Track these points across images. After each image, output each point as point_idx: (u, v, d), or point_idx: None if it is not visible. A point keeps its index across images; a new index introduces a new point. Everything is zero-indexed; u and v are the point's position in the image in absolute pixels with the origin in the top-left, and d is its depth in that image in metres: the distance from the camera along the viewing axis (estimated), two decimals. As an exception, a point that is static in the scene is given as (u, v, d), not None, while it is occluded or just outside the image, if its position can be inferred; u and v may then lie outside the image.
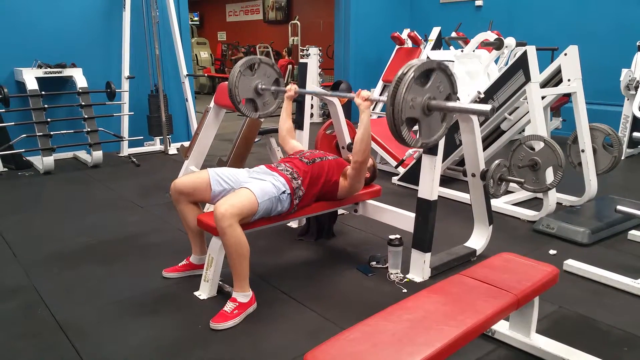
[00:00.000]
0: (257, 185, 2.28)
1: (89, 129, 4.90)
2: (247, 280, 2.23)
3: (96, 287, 2.51)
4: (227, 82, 2.86)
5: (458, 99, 1.90)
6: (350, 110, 7.50)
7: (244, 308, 2.20)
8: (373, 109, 7.01)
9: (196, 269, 2.59)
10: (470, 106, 1.78)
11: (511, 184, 3.22)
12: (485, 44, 4.90)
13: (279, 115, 2.94)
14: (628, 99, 5.29)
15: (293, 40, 11.54)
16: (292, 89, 2.83)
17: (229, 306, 2.18)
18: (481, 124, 3.80)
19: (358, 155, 2.43)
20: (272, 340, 2.06)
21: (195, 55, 12.16)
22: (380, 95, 7.08)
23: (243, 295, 2.22)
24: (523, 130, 4.18)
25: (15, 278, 2.61)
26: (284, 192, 2.34)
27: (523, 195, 3.87)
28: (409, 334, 1.42)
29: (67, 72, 5.01)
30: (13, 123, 4.64)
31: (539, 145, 3.21)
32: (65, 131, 4.84)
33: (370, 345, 1.37)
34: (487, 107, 1.72)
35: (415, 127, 1.86)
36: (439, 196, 2.61)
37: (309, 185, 2.45)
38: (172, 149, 5.65)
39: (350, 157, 2.52)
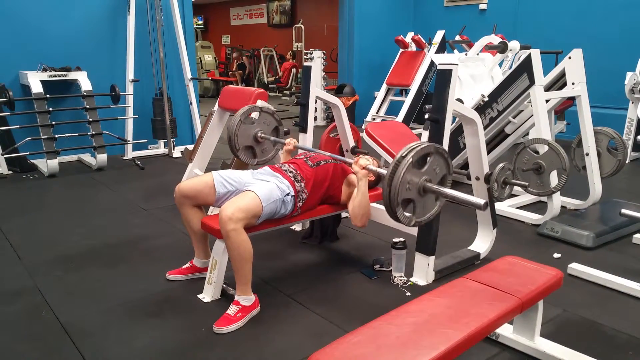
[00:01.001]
0: (262, 188, 2.28)
1: (93, 132, 4.92)
2: (249, 284, 2.23)
3: (100, 290, 2.52)
4: (231, 86, 2.88)
5: (449, 185, 1.97)
6: (354, 114, 7.52)
7: (247, 311, 2.20)
8: (377, 112, 7.02)
9: (200, 272, 2.59)
10: (465, 197, 1.84)
11: (515, 188, 3.21)
12: (489, 47, 4.90)
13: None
14: (633, 103, 5.28)
15: (297, 46, 11.58)
16: (291, 143, 2.84)
17: (232, 309, 2.18)
18: (485, 128, 3.79)
19: (357, 220, 2.40)
20: (276, 343, 2.06)
21: (200, 58, 12.21)
22: (384, 101, 7.08)
23: (246, 298, 2.22)
24: (527, 134, 4.17)
25: (19, 280, 2.62)
26: (287, 194, 2.34)
27: (527, 198, 3.86)
28: (413, 337, 1.42)
29: (72, 75, 5.03)
30: (18, 126, 4.67)
31: (543, 149, 3.21)
32: (69, 134, 4.86)
33: (374, 348, 1.37)
34: (480, 201, 1.80)
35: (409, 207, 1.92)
36: (442, 199, 2.60)
37: (312, 188, 2.45)
38: (176, 152, 5.66)
39: (354, 167, 2.49)
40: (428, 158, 1.86)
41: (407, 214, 1.85)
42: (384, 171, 1.94)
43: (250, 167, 2.94)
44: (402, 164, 1.77)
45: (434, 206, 1.93)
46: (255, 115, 2.88)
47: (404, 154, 1.79)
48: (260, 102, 2.99)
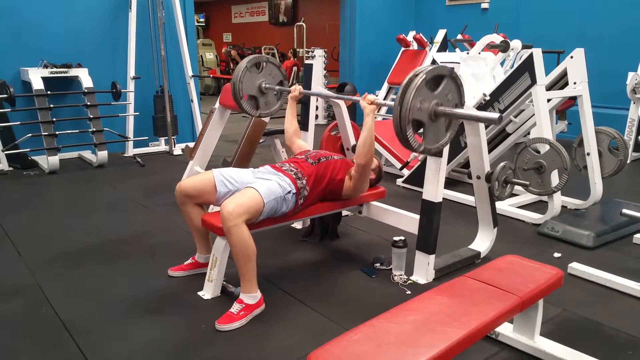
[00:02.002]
0: (263, 185, 2.28)
1: (94, 129, 4.92)
2: (254, 281, 2.23)
3: (100, 287, 2.52)
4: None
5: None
6: (355, 112, 7.50)
7: (250, 309, 2.20)
8: (378, 112, 7.00)
9: (202, 268, 2.60)
10: (478, 113, 1.78)
11: (516, 187, 3.20)
12: (491, 47, 4.89)
13: (283, 117, 2.95)
14: (634, 102, 5.27)
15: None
16: (296, 89, 2.84)
17: (235, 307, 2.18)
18: (486, 127, 3.79)
19: (361, 157, 2.43)
20: (276, 341, 2.06)
21: (201, 56, 12.20)
22: (385, 99, 7.08)
23: (250, 296, 2.21)
24: (528, 133, 4.17)
25: (20, 277, 2.62)
26: (289, 192, 2.34)
27: (528, 198, 3.86)
28: (413, 335, 1.42)
29: (73, 72, 5.04)
30: (19, 122, 4.67)
31: (544, 148, 3.21)
32: (70, 131, 4.86)
33: (374, 346, 1.37)
34: (495, 115, 1.73)
35: (420, 131, 1.86)
36: (443, 198, 2.60)
37: (313, 184, 2.46)
38: (177, 150, 5.66)
39: (355, 159, 2.52)
40: (441, 81, 1.79)
41: (416, 141, 1.77)
42: (391, 103, 1.88)
43: (250, 165, 2.94)
44: (415, 80, 1.70)
45: (445, 135, 1.87)
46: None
47: (416, 73, 1.72)
48: (265, 55, 2.97)
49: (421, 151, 1.83)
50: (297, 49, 11.84)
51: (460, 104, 1.85)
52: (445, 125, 1.86)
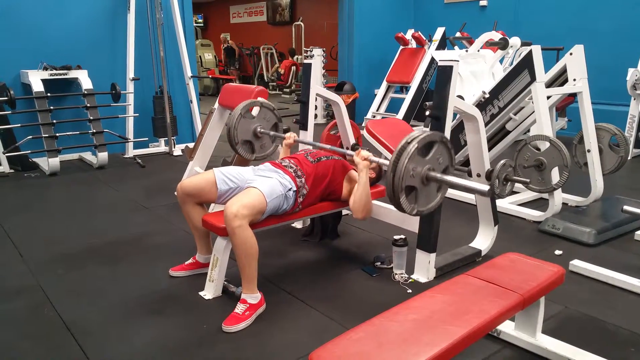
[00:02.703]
0: (265, 184, 2.28)
1: (94, 131, 4.92)
2: (255, 281, 2.23)
3: (102, 287, 2.52)
4: (231, 84, 2.88)
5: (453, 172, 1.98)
6: (355, 111, 7.51)
7: (254, 309, 2.20)
8: (377, 110, 7.01)
9: (202, 268, 2.60)
10: (468, 184, 1.84)
11: (517, 185, 3.20)
12: (490, 44, 4.89)
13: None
14: (634, 99, 5.27)
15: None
16: (291, 137, 2.83)
17: (239, 308, 2.18)
18: (486, 124, 3.79)
19: (358, 213, 2.42)
20: (277, 340, 2.06)
21: (200, 56, 12.20)
22: (384, 98, 7.08)
23: (252, 296, 2.22)
24: (528, 131, 4.17)
25: (21, 278, 2.62)
26: (290, 189, 2.35)
27: (528, 195, 3.86)
28: (414, 334, 1.42)
29: (73, 74, 5.04)
30: (19, 124, 4.67)
31: (544, 145, 3.20)
32: (70, 132, 4.87)
33: (375, 345, 1.37)
34: (484, 188, 1.80)
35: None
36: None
37: (313, 183, 2.46)
38: (177, 150, 5.66)
39: (355, 157, 2.51)
40: (432, 147, 1.85)
41: (410, 203, 1.84)
42: (385, 162, 1.93)
43: (251, 163, 2.94)
44: (407, 150, 1.76)
45: (436, 197, 1.93)
46: (255, 111, 2.88)
47: (409, 141, 1.78)
48: (260, 99, 2.99)
49: (414, 214, 1.90)
50: (294, 49, 11.84)
51: (451, 165, 1.94)
52: (436, 187, 1.91)
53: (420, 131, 1.85)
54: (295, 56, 11.79)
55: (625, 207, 2.57)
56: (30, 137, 4.63)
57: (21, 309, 2.32)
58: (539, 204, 3.78)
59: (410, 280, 2.58)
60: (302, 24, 11.74)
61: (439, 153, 1.87)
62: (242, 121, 2.79)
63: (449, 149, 1.91)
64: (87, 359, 1.94)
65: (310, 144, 2.85)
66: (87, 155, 5.32)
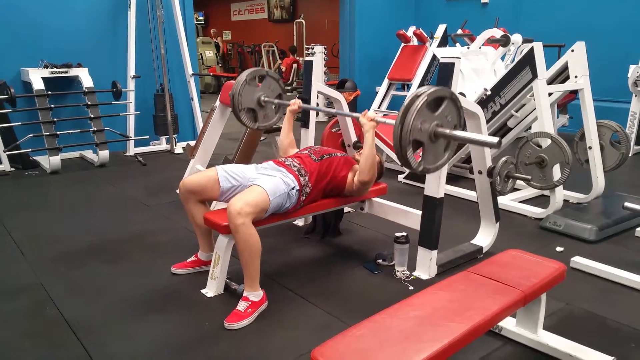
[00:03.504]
0: (268, 182, 2.28)
1: (95, 129, 4.93)
2: (258, 279, 2.23)
3: (104, 285, 2.53)
4: (232, 81, 2.87)
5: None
6: (356, 109, 7.50)
7: (256, 306, 2.21)
8: (379, 107, 7.00)
9: (204, 265, 2.60)
10: (478, 137, 1.80)
11: (518, 182, 3.20)
12: (491, 41, 4.88)
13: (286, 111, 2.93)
14: (636, 96, 5.26)
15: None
16: (296, 102, 2.82)
17: (241, 305, 2.19)
18: (487, 121, 3.78)
19: (364, 174, 2.43)
20: (279, 337, 2.07)
21: (201, 54, 12.19)
22: (385, 96, 7.07)
23: (254, 294, 2.22)
24: (530, 128, 4.16)
25: (23, 276, 2.63)
26: (292, 188, 2.35)
27: (530, 192, 3.86)
28: (416, 331, 1.42)
29: (73, 72, 5.04)
30: (20, 123, 4.67)
31: (546, 142, 3.20)
32: (71, 131, 4.87)
33: (377, 341, 1.37)
34: (494, 140, 1.75)
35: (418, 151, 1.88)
36: (445, 194, 2.60)
37: (315, 181, 2.46)
38: (178, 148, 5.66)
39: (358, 157, 2.52)
40: (442, 103, 1.80)
41: (417, 159, 1.79)
42: (392, 121, 1.89)
43: (252, 161, 2.94)
44: (415, 103, 1.72)
45: (444, 156, 1.89)
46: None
47: (418, 94, 1.74)
48: (265, 69, 2.98)
49: (420, 171, 1.85)
50: (295, 47, 11.81)
51: (460, 125, 1.89)
52: (444, 145, 1.88)
53: (429, 86, 1.81)
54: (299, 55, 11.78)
55: (626, 204, 2.57)
56: (31, 135, 4.63)
57: (23, 307, 2.33)
58: (540, 200, 3.78)
59: (412, 277, 2.58)
60: (303, 21, 11.72)
61: (448, 110, 1.82)
62: (246, 88, 2.76)
63: (459, 107, 1.85)
64: (89, 356, 1.94)
65: (313, 108, 2.82)
66: (88, 154, 5.32)
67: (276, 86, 2.90)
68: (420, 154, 1.84)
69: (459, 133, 1.80)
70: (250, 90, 2.79)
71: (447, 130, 1.80)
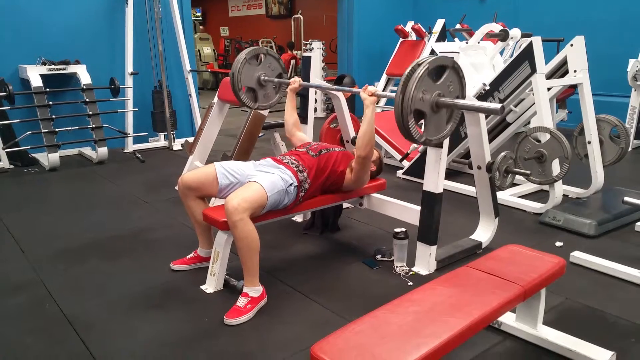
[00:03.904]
0: (266, 179, 2.28)
1: (93, 126, 4.92)
2: (257, 275, 2.23)
3: (103, 282, 2.53)
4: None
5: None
6: (354, 105, 7.49)
7: (255, 302, 2.21)
8: (377, 103, 6.98)
9: (204, 262, 2.60)
10: (480, 104, 1.78)
11: (517, 177, 3.20)
12: (490, 36, 4.86)
13: (282, 110, 2.93)
14: (635, 90, 5.25)
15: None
16: (296, 81, 2.82)
17: (241, 301, 2.19)
18: (486, 116, 3.78)
19: (361, 149, 2.42)
20: (279, 333, 2.07)
21: (198, 50, 12.16)
22: (384, 91, 7.06)
23: (254, 289, 2.22)
24: (529, 122, 4.16)
25: (23, 273, 2.62)
26: (291, 184, 2.35)
27: (529, 187, 3.85)
28: (416, 326, 1.42)
29: (71, 68, 5.02)
30: (18, 120, 4.66)
31: (545, 137, 3.20)
32: (70, 128, 4.85)
33: (377, 337, 1.37)
34: (496, 106, 1.72)
35: (421, 123, 1.85)
36: (444, 189, 2.60)
37: (314, 177, 2.46)
38: (177, 145, 5.66)
39: (355, 152, 2.52)
40: (443, 72, 1.78)
41: (418, 132, 1.76)
42: (392, 95, 1.87)
43: (251, 157, 2.93)
44: (417, 70, 1.69)
45: (445, 128, 1.87)
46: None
47: (419, 63, 1.72)
48: (265, 48, 2.96)
49: (422, 142, 1.82)
50: (293, 42, 11.77)
51: (462, 95, 1.85)
52: (447, 116, 1.85)
53: (432, 55, 1.78)
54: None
55: (626, 199, 2.58)
56: (30, 132, 4.62)
57: (23, 304, 2.33)
58: (540, 195, 3.78)
59: (411, 272, 2.58)
60: (301, 17, 11.68)
61: (450, 79, 1.79)
62: (246, 67, 2.74)
63: (461, 77, 1.83)
64: (89, 353, 1.94)
65: (314, 85, 2.81)
66: (87, 151, 5.31)
67: (276, 65, 2.89)
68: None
69: (461, 101, 1.78)
70: (250, 69, 2.77)
71: (449, 99, 1.77)
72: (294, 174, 2.38)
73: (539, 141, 3.22)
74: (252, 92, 2.87)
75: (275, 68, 2.89)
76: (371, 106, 2.38)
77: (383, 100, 7.04)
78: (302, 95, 3.23)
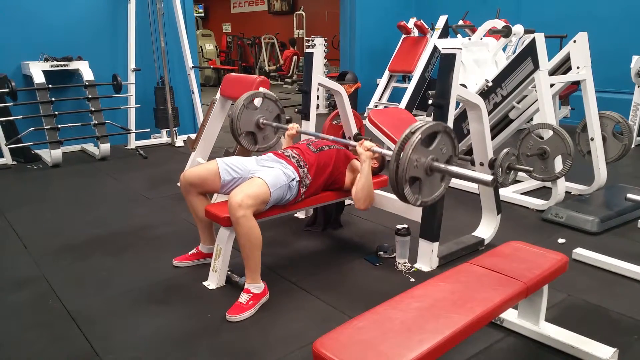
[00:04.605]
0: (269, 174, 2.28)
1: (96, 122, 4.92)
2: (259, 271, 2.24)
3: (106, 278, 2.54)
4: (232, 74, 2.86)
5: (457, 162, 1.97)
6: (357, 101, 7.48)
7: (258, 299, 2.21)
8: (379, 99, 6.98)
9: (206, 258, 2.60)
10: (472, 174, 1.82)
11: (520, 173, 3.19)
12: (492, 32, 4.85)
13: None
14: (638, 87, 5.23)
15: (298, 33, 11.48)
16: (294, 127, 2.83)
17: (243, 297, 2.19)
18: (489, 113, 3.77)
19: (360, 202, 2.42)
20: (281, 329, 2.07)
21: (201, 47, 12.14)
22: (386, 88, 7.04)
23: (256, 286, 2.23)
24: (531, 119, 4.15)
25: (26, 269, 2.63)
26: (293, 179, 2.35)
27: (532, 184, 3.85)
28: (418, 322, 1.42)
29: (74, 65, 5.02)
30: (21, 116, 4.67)
31: (547, 134, 3.19)
32: (72, 124, 4.86)
33: (379, 333, 1.37)
34: (488, 178, 1.78)
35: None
36: (446, 185, 2.60)
37: (315, 173, 2.46)
38: (179, 141, 5.66)
39: (358, 148, 2.50)
40: (436, 137, 1.83)
41: (414, 194, 1.83)
42: (388, 152, 1.91)
43: (253, 154, 2.94)
44: (410, 141, 1.74)
45: (440, 187, 1.92)
46: (258, 102, 2.87)
47: (412, 131, 1.77)
48: (262, 90, 2.99)
49: (418, 205, 1.88)
50: (295, 39, 11.75)
51: (455, 155, 1.92)
52: (440, 177, 1.90)
53: (423, 121, 1.84)
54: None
55: (629, 195, 2.56)
56: (32, 128, 4.63)
57: (26, 299, 2.33)
58: (542, 192, 3.77)
59: (413, 269, 2.58)
60: (303, 13, 11.65)
61: (443, 143, 1.86)
62: (245, 112, 2.80)
63: (452, 138, 1.89)
64: (92, 348, 1.95)
65: (312, 134, 2.84)
66: (89, 147, 5.32)
67: (274, 107, 2.92)
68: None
69: (453, 169, 1.84)
70: (249, 114, 2.83)
71: (442, 165, 1.84)
72: (295, 169, 2.39)
73: (542, 138, 3.22)
74: (251, 136, 2.90)
75: (272, 110, 2.92)
76: (367, 160, 2.36)
77: (385, 97, 7.04)
78: (304, 92, 3.22)
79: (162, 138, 5.80)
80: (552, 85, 3.61)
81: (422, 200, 1.87)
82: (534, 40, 3.36)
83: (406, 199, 1.82)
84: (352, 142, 2.52)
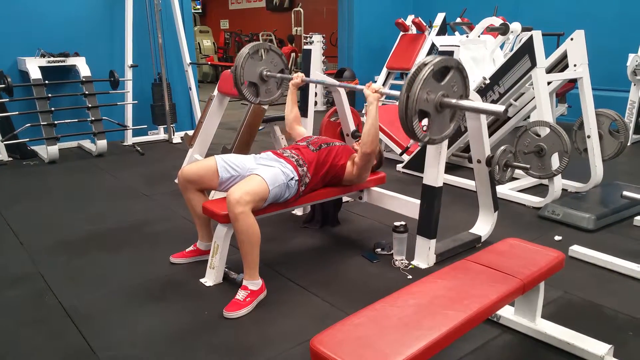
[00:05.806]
0: (268, 172, 2.28)
1: (93, 118, 4.90)
2: (257, 268, 2.24)
3: (102, 275, 2.53)
4: (230, 70, 2.85)
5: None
6: (355, 98, 7.48)
7: (255, 295, 2.21)
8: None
9: (203, 255, 2.61)
10: (484, 106, 1.78)
11: (516, 171, 3.20)
12: (490, 30, 4.86)
13: (282, 104, 2.93)
14: (635, 84, 5.24)
15: (296, 30, 11.45)
16: (299, 76, 2.82)
17: (240, 294, 2.19)
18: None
19: (366, 146, 2.42)
20: (279, 326, 2.08)
21: (198, 43, 12.11)
22: (384, 84, 7.04)
23: (253, 283, 2.23)
24: (528, 117, 4.16)
25: (22, 266, 2.63)
26: (292, 178, 2.35)
27: (528, 181, 3.86)
28: (415, 319, 1.43)
29: (71, 61, 5.00)
30: (17, 112, 4.65)
31: (544, 131, 3.20)
32: (69, 120, 4.84)
33: (376, 329, 1.37)
34: (500, 108, 1.72)
35: (424, 122, 1.86)
36: (444, 183, 2.60)
37: (314, 171, 2.46)
38: (176, 138, 5.65)
39: (357, 147, 2.51)
40: (447, 72, 1.79)
41: (422, 130, 1.78)
42: (396, 92, 1.87)
43: (251, 151, 2.93)
44: (422, 72, 1.70)
45: (448, 127, 1.89)
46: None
47: (425, 63, 1.73)
48: (268, 43, 2.95)
49: (426, 141, 1.83)
50: (293, 36, 11.71)
51: (465, 95, 1.85)
52: (450, 116, 1.86)
53: (435, 56, 1.79)
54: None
55: (625, 193, 2.57)
56: (29, 125, 4.61)
57: (22, 296, 2.33)
58: (539, 189, 3.78)
59: (411, 266, 2.59)
60: (301, 9, 11.63)
61: (454, 80, 1.80)
62: (249, 61, 2.73)
63: (464, 77, 1.83)
64: (87, 345, 1.95)
65: (319, 81, 2.81)
66: (86, 143, 5.31)
67: (279, 61, 2.88)
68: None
69: (465, 103, 1.78)
70: (253, 64, 2.76)
71: (454, 100, 1.78)
72: (295, 168, 2.38)
73: (539, 135, 3.22)
74: (254, 87, 2.86)
75: (277, 63, 2.88)
76: (375, 102, 2.36)
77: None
78: (302, 89, 3.22)
79: (160, 135, 5.78)
80: (549, 83, 3.61)
81: (430, 137, 1.82)
82: (531, 37, 3.37)
83: (415, 133, 1.76)
84: (359, 86, 2.47)
